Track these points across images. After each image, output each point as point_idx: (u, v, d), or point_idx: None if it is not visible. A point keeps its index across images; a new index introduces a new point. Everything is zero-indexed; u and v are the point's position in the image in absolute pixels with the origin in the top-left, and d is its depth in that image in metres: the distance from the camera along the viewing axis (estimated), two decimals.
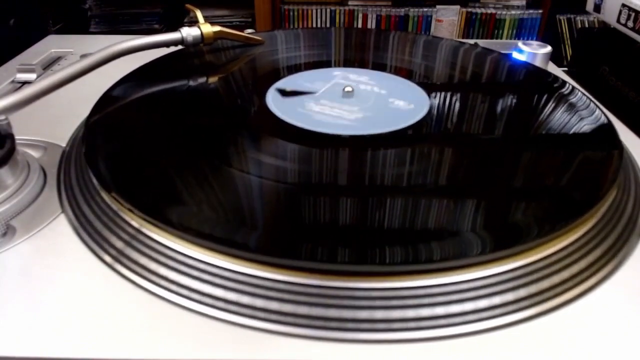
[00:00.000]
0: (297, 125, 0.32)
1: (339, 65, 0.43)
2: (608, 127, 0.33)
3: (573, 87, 0.39)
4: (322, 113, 0.34)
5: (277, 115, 0.34)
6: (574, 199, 0.26)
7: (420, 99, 0.37)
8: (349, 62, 0.44)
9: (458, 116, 0.35)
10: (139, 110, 0.35)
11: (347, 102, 0.36)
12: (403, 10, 1.36)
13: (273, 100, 0.36)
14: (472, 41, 0.52)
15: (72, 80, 0.32)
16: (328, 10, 1.36)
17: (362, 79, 0.40)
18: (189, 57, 0.43)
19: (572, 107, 0.36)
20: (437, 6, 1.35)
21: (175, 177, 0.27)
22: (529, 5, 1.37)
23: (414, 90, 0.38)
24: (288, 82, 0.39)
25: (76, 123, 0.35)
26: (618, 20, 0.48)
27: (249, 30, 0.47)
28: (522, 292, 0.22)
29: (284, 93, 0.37)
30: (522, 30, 1.38)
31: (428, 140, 0.32)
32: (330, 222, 0.24)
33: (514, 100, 0.38)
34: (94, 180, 0.27)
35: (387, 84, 0.39)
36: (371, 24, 1.37)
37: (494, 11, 1.36)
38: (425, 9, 1.35)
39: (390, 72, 0.42)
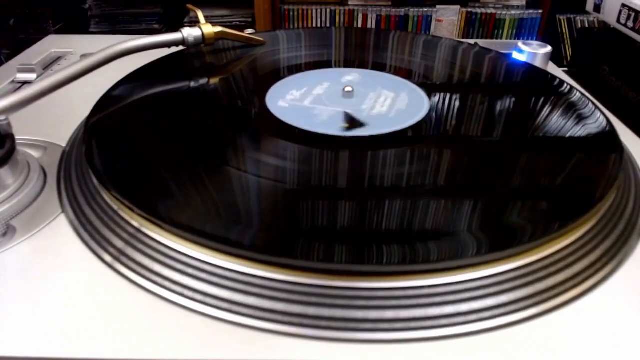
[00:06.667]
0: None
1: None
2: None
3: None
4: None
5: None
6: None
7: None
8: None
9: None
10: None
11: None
12: (403, 10, 1.36)
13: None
14: (472, 41, 0.52)
15: (72, 81, 0.32)
16: (328, 10, 1.36)
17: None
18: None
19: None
20: (437, 6, 1.35)
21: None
22: (529, 5, 1.37)
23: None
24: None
25: (76, 123, 0.35)
26: (618, 20, 0.48)
27: (250, 31, 0.47)
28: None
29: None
30: (522, 30, 1.38)
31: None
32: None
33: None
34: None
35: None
36: (371, 24, 1.37)
37: (494, 11, 1.36)
38: (425, 9, 1.35)
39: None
